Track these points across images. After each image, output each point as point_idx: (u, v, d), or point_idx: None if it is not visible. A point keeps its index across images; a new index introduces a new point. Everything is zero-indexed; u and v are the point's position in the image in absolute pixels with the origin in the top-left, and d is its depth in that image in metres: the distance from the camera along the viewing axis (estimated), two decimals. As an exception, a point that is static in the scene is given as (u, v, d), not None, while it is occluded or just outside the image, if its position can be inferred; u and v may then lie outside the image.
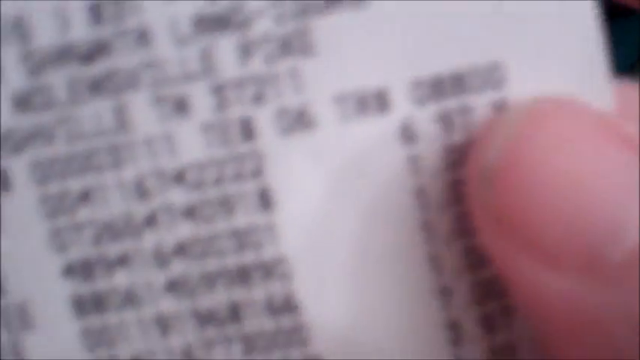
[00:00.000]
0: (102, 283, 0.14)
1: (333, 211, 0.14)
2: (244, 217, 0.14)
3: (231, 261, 0.14)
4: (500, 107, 0.14)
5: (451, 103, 0.14)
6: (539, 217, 0.12)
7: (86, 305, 0.14)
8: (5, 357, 0.15)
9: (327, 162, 0.14)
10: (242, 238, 0.14)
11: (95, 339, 0.15)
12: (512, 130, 0.12)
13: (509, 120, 0.13)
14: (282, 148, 0.14)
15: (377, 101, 0.14)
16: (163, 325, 0.14)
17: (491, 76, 0.14)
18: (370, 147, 0.14)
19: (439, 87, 0.14)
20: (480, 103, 0.14)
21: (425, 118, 0.14)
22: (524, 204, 0.12)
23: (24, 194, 0.14)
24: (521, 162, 0.12)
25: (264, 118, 0.14)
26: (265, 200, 0.14)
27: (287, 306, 0.14)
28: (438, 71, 0.14)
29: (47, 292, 0.14)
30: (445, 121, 0.14)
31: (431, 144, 0.14)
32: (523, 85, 0.14)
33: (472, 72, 0.14)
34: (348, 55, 0.13)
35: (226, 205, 0.14)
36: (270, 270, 0.14)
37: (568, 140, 0.12)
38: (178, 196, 0.14)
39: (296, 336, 0.14)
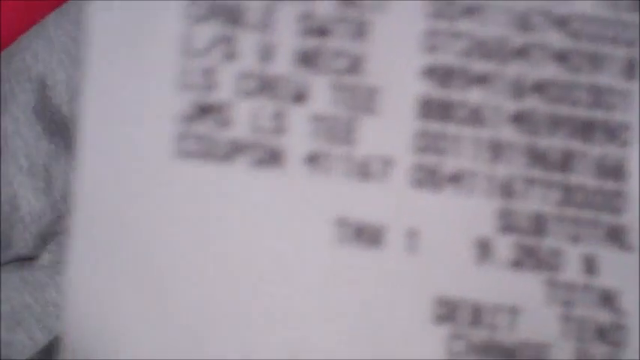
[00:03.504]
0: (455, 94, 0.15)
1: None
2: (607, 78, 0.15)
3: (582, 113, 0.15)
4: None
5: None
6: None
7: (433, 108, 0.15)
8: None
9: None
10: (599, 96, 0.15)
11: (427, 143, 0.15)
12: None
13: None
14: (662, 29, 0.15)
15: None
16: (496, 151, 0.15)
17: None
18: None
19: None
20: None
21: None
22: None
23: (419, -9, 0.15)
24: None
25: (657, -1, 0.15)
26: (631, 69, 0.15)
27: (616, 171, 0.15)
28: None
29: (401, 83, 0.15)
30: None
31: None
32: None
33: None
34: None
35: (595, 62, 0.15)
36: (613, 133, 0.15)
37: None
38: (555, 39, 0.15)
39: (612, 201, 0.15)
